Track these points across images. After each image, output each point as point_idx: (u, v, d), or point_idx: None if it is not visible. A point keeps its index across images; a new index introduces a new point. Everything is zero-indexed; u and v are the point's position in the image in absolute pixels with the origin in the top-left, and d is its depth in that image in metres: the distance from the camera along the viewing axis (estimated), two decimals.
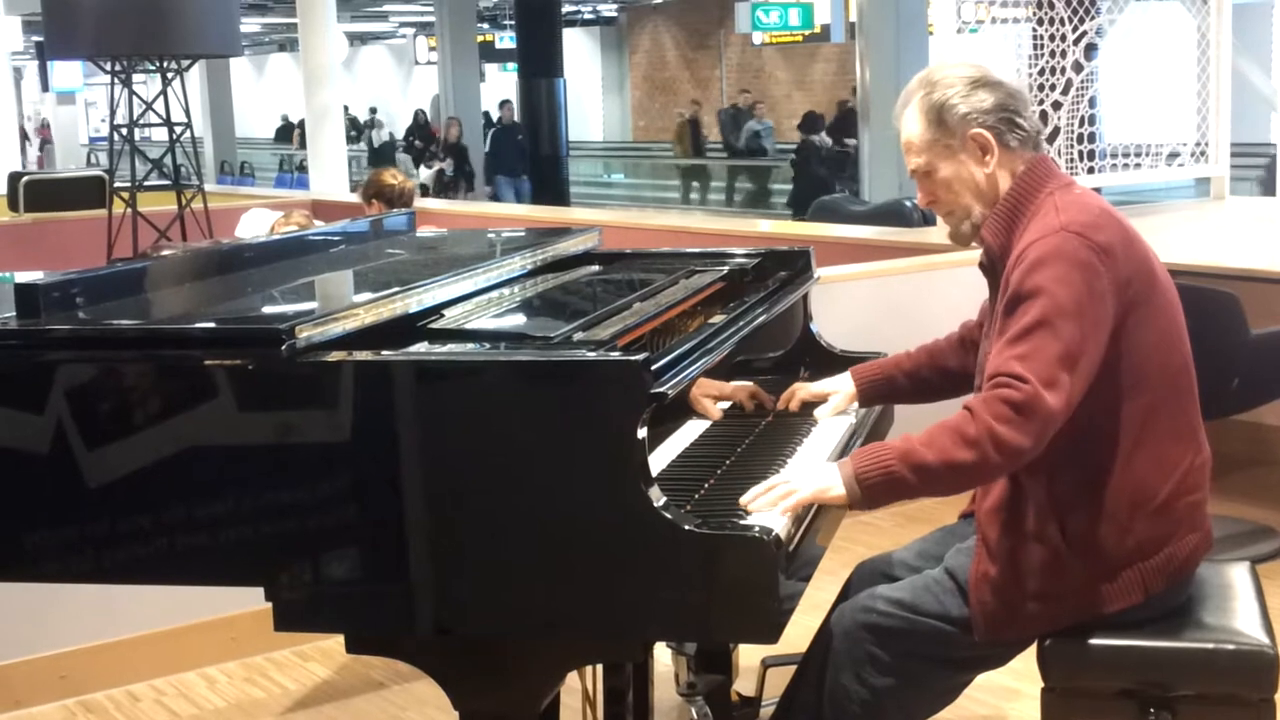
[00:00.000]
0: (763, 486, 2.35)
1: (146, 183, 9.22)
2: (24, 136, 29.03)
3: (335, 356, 2.23)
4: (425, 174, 19.29)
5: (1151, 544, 2.49)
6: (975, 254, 2.74)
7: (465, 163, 19.24)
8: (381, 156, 22.93)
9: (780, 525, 2.23)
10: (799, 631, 2.49)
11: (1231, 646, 2.52)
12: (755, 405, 2.95)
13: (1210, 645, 2.53)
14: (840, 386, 2.94)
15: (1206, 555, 2.61)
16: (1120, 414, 2.47)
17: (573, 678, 2.74)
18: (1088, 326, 2.40)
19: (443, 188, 18.89)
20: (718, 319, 2.75)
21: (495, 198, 17.81)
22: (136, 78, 9.03)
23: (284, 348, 2.20)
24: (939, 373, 2.92)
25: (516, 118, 19.00)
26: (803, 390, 2.95)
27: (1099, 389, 2.45)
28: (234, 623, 4.06)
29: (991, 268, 2.62)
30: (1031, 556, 2.50)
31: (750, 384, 2.97)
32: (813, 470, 2.42)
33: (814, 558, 2.42)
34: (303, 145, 27.71)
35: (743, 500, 2.32)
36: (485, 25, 25.92)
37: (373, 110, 26.88)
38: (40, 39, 17.99)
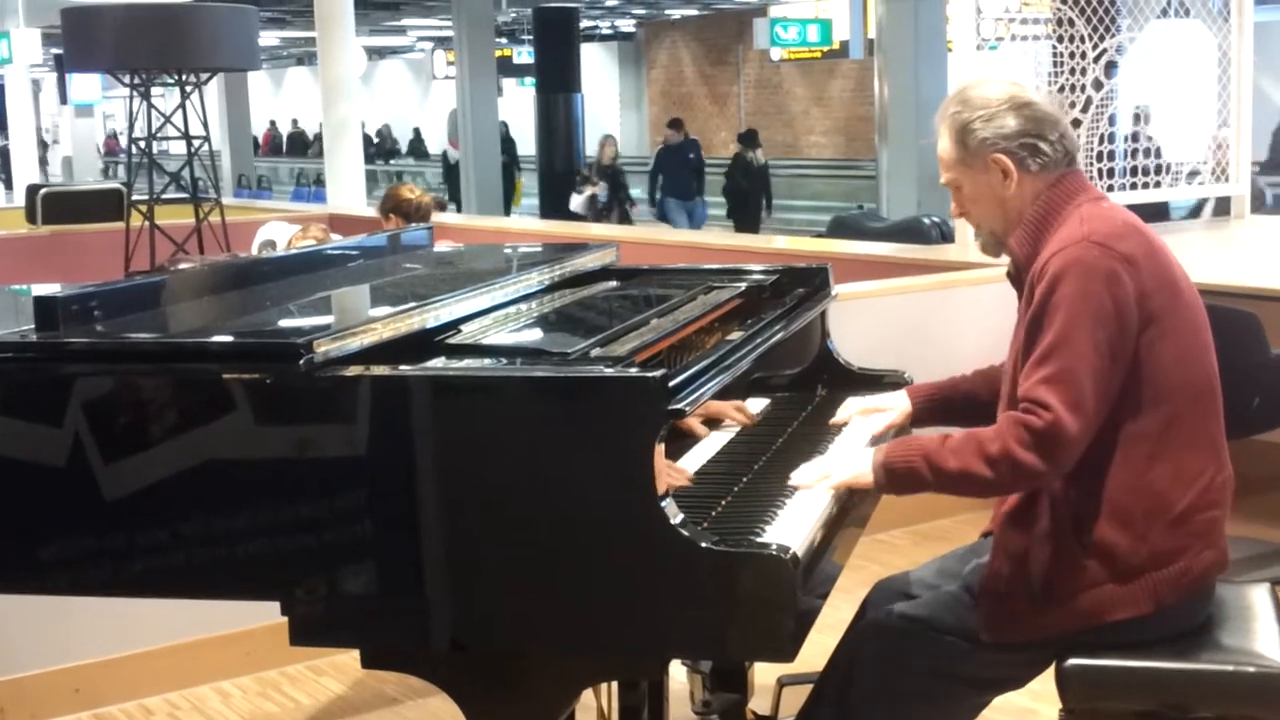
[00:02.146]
0: (806, 469, 2.55)
1: (164, 196, 9.24)
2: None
3: (353, 371, 2.23)
4: (577, 201, 16.76)
5: (1166, 555, 2.47)
6: (992, 271, 2.75)
7: (620, 186, 16.82)
8: (454, 175, 22.20)
9: (798, 543, 2.22)
10: (815, 650, 2.48)
11: (1252, 669, 2.51)
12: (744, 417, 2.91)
13: (1230, 667, 2.51)
14: (895, 404, 2.93)
15: (1221, 575, 2.59)
16: (1136, 423, 2.48)
17: (587, 695, 2.74)
18: (1113, 335, 2.43)
19: (597, 215, 16.30)
20: (735, 336, 2.74)
21: (662, 218, 16.32)
22: (155, 90, 9.06)
23: (302, 362, 2.20)
24: (996, 395, 2.89)
25: (676, 134, 17.23)
26: (858, 404, 2.95)
27: (1118, 397, 2.46)
28: (249, 637, 4.06)
29: (1018, 277, 2.64)
30: (1043, 556, 2.50)
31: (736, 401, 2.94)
32: (851, 457, 2.59)
33: (831, 575, 2.42)
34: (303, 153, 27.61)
35: (791, 480, 2.52)
36: (504, 40, 25.99)
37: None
38: (59, 51, 18.06)
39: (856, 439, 2.86)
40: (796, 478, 2.53)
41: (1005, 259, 2.69)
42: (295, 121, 34.02)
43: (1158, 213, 7.45)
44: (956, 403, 2.93)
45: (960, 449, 2.45)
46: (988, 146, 2.58)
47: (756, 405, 3.09)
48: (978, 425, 2.55)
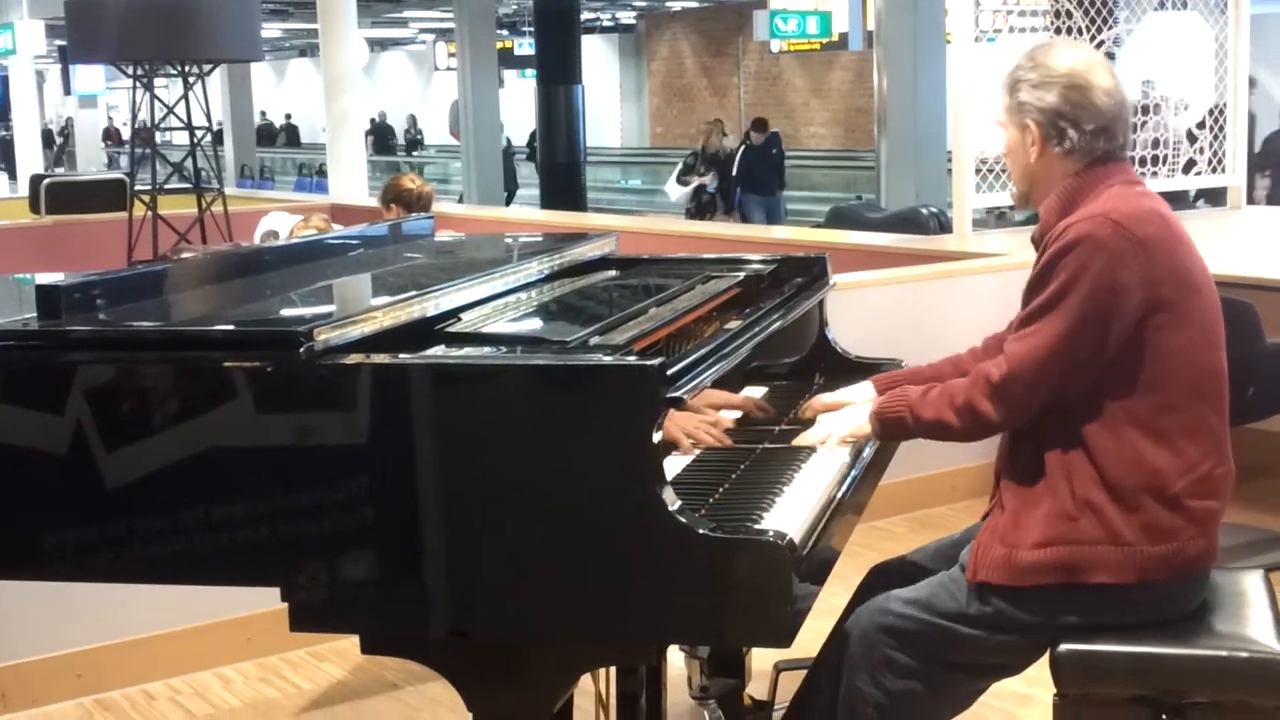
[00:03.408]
0: (814, 430, 2.73)
1: (167, 186, 9.26)
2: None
3: (353, 359, 2.24)
4: (679, 192, 14.99)
5: (1159, 532, 2.50)
6: (989, 261, 2.76)
7: (728, 176, 15.11)
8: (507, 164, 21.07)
9: (795, 529, 2.24)
10: (812, 636, 2.50)
11: (1245, 654, 2.52)
12: (762, 414, 2.95)
13: (1224, 652, 2.53)
14: (859, 395, 2.91)
15: (1212, 565, 2.61)
16: (1128, 402, 2.51)
17: (586, 680, 2.75)
18: (1102, 313, 2.47)
19: (701, 208, 14.68)
20: (733, 324, 2.76)
21: (743, 219, 15.35)
22: (158, 81, 9.08)
23: (302, 350, 2.22)
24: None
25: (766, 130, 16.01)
26: (819, 401, 2.92)
27: (1113, 375, 2.50)
28: (250, 623, 4.08)
29: (1040, 243, 2.66)
30: (1039, 509, 2.53)
31: (754, 397, 2.97)
32: (852, 410, 2.77)
33: (827, 561, 2.43)
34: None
35: (799, 440, 2.71)
36: (505, 32, 25.96)
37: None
38: (63, 43, 18.04)
39: (833, 452, 2.80)
40: (813, 437, 2.70)
41: (1014, 234, 2.73)
42: (264, 114, 33.92)
43: None
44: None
45: (936, 400, 2.61)
46: (1024, 110, 2.62)
47: (755, 393, 3.11)
48: None
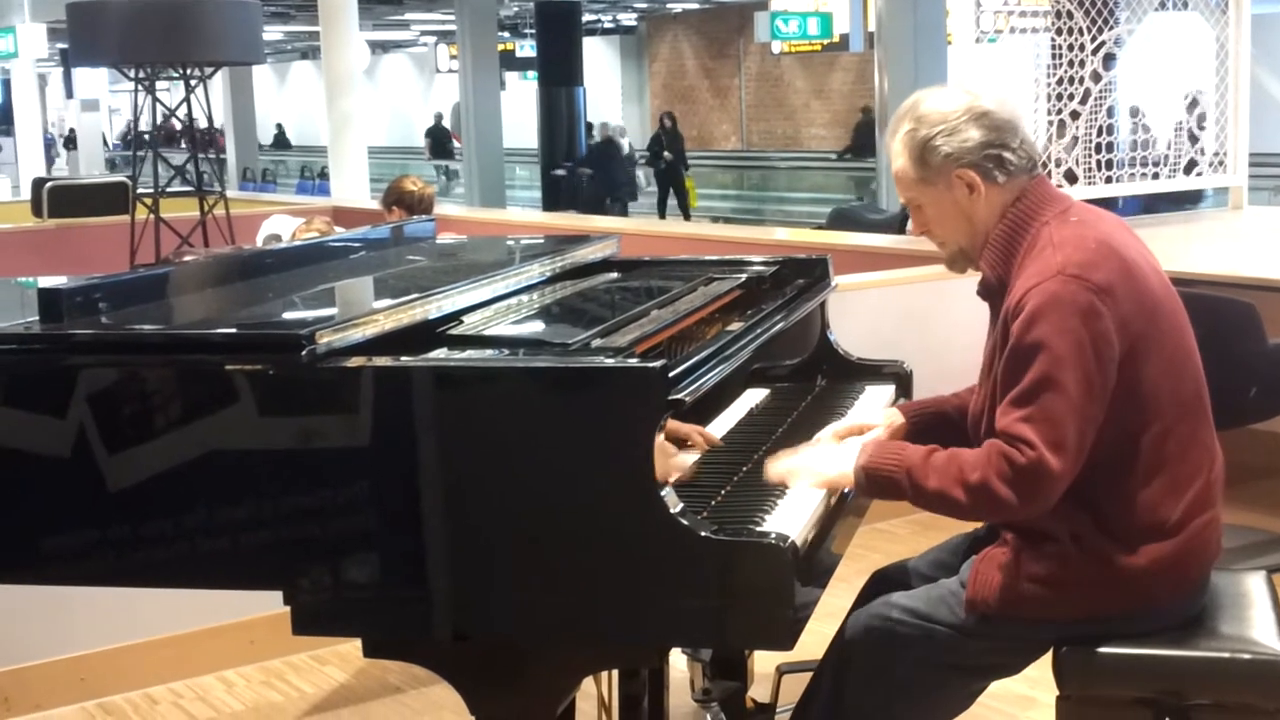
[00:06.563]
0: (790, 462, 2.52)
1: (169, 189, 9.26)
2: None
3: (355, 362, 2.25)
4: None
5: (1160, 564, 2.48)
6: None
7: None
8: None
9: (796, 532, 2.24)
10: (815, 639, 2.50)
11: (1247, 656, 2.52)
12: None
13: (1226, 654, 2.53)
14: (885, 420, 2.79)
15: (1215, 564, 2.61)
16: (1130, 444, 2.46)
17: (588, 683, 2.75)
18: (1093, 373, 2.37)
19: None
20: (735, 326, 2.75)
21: None
22: (160, 84, 9.08)
23: (304, 353, 2.22)
24: None
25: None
26: (843, 425, 2.80)
27: (1110, 423, 2.43)
28: (252, 626, 4.08)
29: (989, 297, 2.59)
30: (1040, 551, 2.50)
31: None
32: (835, 453, 2.56)
33: (830, 565, 2.43)
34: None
35: (771, 471, 2.50)
36: (506, 34, 25.96)
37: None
38: (65, 46, 18.05)
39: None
40: (779, 470, 2.51)
41: (974, 274, 2.63)
42: (280, 125, 33.95)
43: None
44: (951, 415, 2.81)
45: (942, 469, 2.41)
46: (952, 162, 2.49)
47: (757, 395, 3.11)
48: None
